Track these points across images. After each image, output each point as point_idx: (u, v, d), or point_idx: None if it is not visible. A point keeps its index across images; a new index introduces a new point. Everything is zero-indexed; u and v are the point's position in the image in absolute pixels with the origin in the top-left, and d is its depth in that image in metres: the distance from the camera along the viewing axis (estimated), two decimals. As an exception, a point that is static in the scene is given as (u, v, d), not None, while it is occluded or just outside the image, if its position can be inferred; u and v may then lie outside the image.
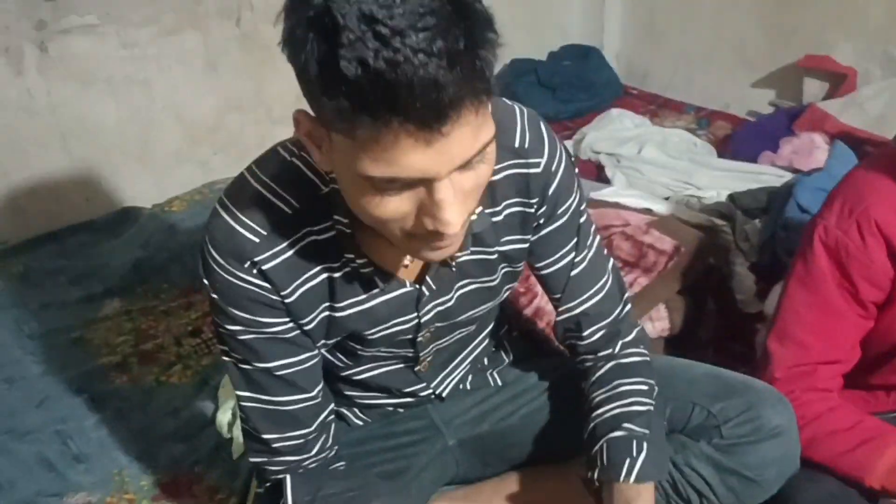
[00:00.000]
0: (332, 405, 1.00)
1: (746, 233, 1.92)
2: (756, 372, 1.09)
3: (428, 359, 1.05)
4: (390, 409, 1.15)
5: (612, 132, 2.47)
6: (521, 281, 1.42)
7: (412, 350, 1.01)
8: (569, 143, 2.51)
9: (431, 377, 1.08)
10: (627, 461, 0.93)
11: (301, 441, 0.94)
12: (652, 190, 2.14)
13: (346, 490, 0.94)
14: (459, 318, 0.99)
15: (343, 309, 0.91)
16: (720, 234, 1.85)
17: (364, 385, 1.07)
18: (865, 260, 1.00)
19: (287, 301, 0.87)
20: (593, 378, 1.03)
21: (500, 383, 1.18)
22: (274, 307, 0.87)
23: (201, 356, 1.66)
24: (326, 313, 0.91)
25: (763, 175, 2.16)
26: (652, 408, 0.99)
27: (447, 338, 1.02)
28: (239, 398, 0.94)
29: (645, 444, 0.94)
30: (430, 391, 1.09)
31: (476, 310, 1.00)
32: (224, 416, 1.46)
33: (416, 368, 1.05)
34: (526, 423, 1.15)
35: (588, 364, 1.06)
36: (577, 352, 1.07)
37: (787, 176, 2.09)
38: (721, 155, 2.38)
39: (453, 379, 1.12)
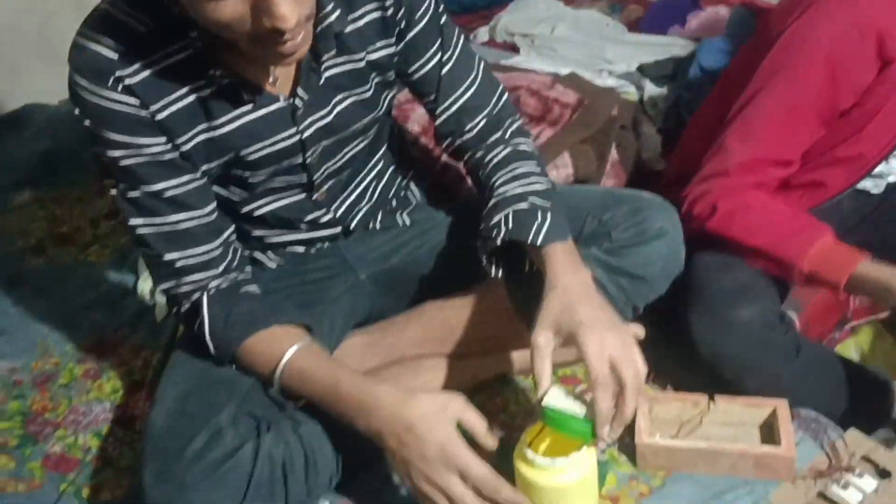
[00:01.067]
0: (232, 227, 1.03)
1: (654, 100, 1.99)
2: (708, 167, 1.17)
3: (324, 186, 1.08)
4: (301, 248, 1.18)
5: (527, 15, 2.48)
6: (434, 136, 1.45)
7: (304, 175, 1.04)
8: (484, 30, 2.52)
9: (330, 203, 1.11)
10: (535, 225, 0.98)
11: (205, 258, 0.98)
12: (564, 65, 2.18)
13: (258, 308, 0.99)
14: (343, 134, 1.04)
15: (220, 127, 0.94)
16: (628, 101, 1.91)
17: (267, 221, 1.11)
18: (858, 65, 1.06)
19: (158, 118, 0.90)
20: (491, 164, 1.08)
21: (408, 223, 1.22)
22: (145, 124, 0.90)
23: (119, 235, 1.66)
24: (204, 135, 0.94)
25: (671, 47, 2.22)
26: (550, 186, 1.05)
27: (337, 158, 1.06)
28: (134, 229, 0.97)
29: (549, 214, 1.00)
30: (333, 217, 1.12)
31: (358, 123, 1.04)
32: (145, 284, 1.48)
33: (314, 197, 1.09)
34: (434, 255, 1.20)
35: (481, 154, 1.10)
36: (467, 147, 1.11)
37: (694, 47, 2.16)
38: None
39: (358, 210, 1.16)
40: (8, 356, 1.38)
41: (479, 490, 0.85)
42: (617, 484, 1.04)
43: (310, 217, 1.12)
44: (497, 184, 1.05)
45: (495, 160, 1.08)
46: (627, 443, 1.09)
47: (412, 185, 1.26)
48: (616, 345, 0.87)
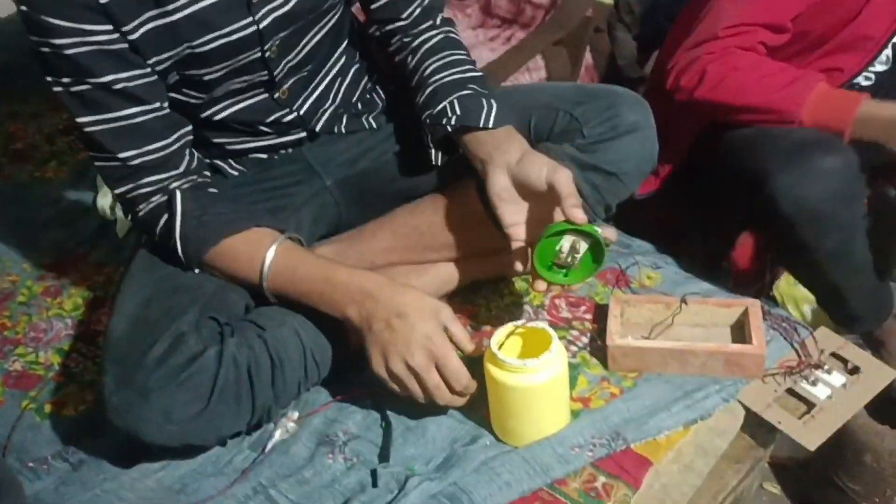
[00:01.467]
0: (189, 126, 0.98)
1: (629, 5, 1.93)
2: (695, 34, 1.15)
3: (286, 83, 1.03)
4: (264, 155, 1.14)
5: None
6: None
7: (265, 71, 0.99)
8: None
9: (293, 101, 1.06)
10: (484, 109, 0.99)
11: (162, 154, 0.94)
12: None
13: (234, 209, 0.97)
14: (303, 22, 0.99)
15: (170, 14, 0.88)
16: (603, 3, 1.84)
17: (228, 126, 1.06)
18: None
19: (103, 1, 0.84)
20: (422, 49, 1.07)
21: (374, 126, 1.17)
22: (91, 8, 0.84)
23: (76, 151, 1.60)
24: (153, 23, 0.88)
25: (648, -51, 2.14)
26: (483, 75, 1.06)
27: (298, 50, 1.01)
28: (83, 127, 0.92)
29: (493, 101, 1.00)
30: (297, 116, 1.07)
31: (316, 9, 0.99)
32: (105, 200, 1.42)
33: (276, 95, 1.04)
34: (402, 160, 1.16)
35: (409, 39, 1.08)
36: (397, 32, 1.09)
37: (671, -50, 2.08)
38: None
39: (323, 112, 1.11)
40: (-37, 276, 1.33)
41: (449, 385, 0.89)
42: (588, 385, 1.03)
43: (272, 117, 1.07)
44: (430, 70, 1.05)
45: (427, 45, 1.07)
46: (598, 346, 1.08)
47: (378, 89, 1.21)
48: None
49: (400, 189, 1.17)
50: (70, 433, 1.05)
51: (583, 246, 0.91)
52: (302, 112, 1.08)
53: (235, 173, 1.14)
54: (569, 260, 0.92)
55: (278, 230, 0.98)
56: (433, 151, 1.06)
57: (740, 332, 1.08)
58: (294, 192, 1.14)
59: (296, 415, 1.03)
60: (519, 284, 1.20)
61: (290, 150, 1.14)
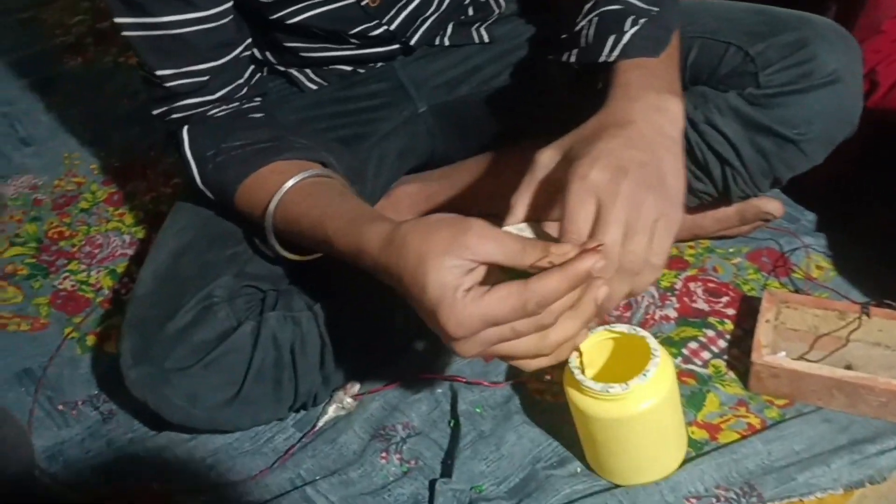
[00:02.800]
0: (247, 41, 0.78)
1: None
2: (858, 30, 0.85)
3: None
4: (349, 68, 0.93)
5: None
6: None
7: None
8: None
9: (385, 11, 0.84)
10: (613, 36, 0.68)
11: (203, 78, 0.74)
12: None
13: (256, 141, 0.74)
14: None
15: None
16: None
17: (305, 31, 0.85)
18: None
19: None
20: None
21: (486, 39, 0.93)
22: None
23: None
24: None
25: None
26: None
27: None
28: (120, 30, 0.73)
29: (643, 21, 0.68)
30: (387, 30, 0.85)
31: None
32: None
33: (363, 2, 0.81)
34: (516, 87, 0.92)
35: None
36: None
37: None
38: None
39: (422, 22, 0.88)
40: (31, 171, 1.23)
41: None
42: (719, 408, 0.80)
43: (357, 29, 0.85)
44: None
45: None
46: (739, 356, 0.84)
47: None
48: (621, 185, 0.57)
49: (514, 121, 0.94)
50: (107, 375, 0.92)
51: None
52: (394, 26, 0.85)
53: (313, 87, 0.93)
54: None
55: (317, 162, 0.74)
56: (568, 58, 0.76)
57: (939, 362, 0.81)
58: (380, 116, 0.93)
59: (356, 387, 0.86)
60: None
61: (379, 65, 0.93)
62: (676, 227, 0.59)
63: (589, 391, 0.66)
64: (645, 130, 0.60)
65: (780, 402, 0.80)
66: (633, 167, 0.57)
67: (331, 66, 0.92)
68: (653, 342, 0.68)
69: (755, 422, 0.79)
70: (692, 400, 0.81)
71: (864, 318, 0.82)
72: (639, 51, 0.67)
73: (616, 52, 0.67)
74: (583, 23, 0.72)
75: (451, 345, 0.56)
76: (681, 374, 0.83)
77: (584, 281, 0.55)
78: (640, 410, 0.66)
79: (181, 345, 0.72)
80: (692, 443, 0.77)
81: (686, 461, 0.75)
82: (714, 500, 0.72)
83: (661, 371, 0.67)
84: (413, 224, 0.58)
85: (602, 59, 0.68)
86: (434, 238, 0.55)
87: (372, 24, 0.84)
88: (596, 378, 0.67)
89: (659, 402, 0.67)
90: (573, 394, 0.68)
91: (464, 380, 0.81)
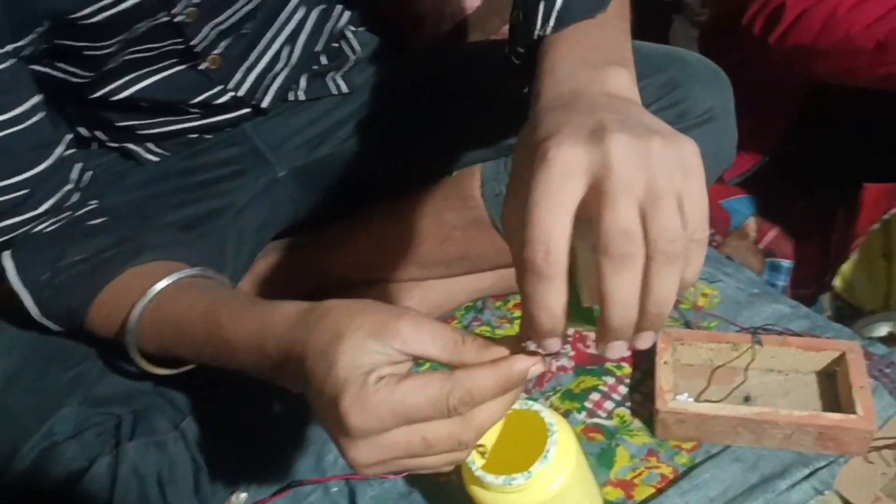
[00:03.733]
0: (69, 136, 0.66)
1: None
2: None
3: (214, 51, 0.72)
4: (194, 136, 0.83)
5: None
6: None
7: (180, 38, 0.67)
8: None
9: (227, 75, 0.75)
10: (543, 3, 0.55)
11: (23, 191, 0.62)
12: None
13: (102, 249, 0.63)
14: None
15: None
16: None
17: (137, 106, 0.75)
18: None
19: None
20: None
21: (344, 89, 0.86)
22: None
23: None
24: None
25: None
26: None
27: (228, 13, 0.69)
28: None
29: None
30: (234, 97, 0.77)
31: None
32: None
33: (202, 66, 0.72)
34: (385, 139, 0.86)
35: None
36: None
37: None
38: None
39: (272, 82, 0.80)
40: None
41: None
42: (630, 462, 0.77)
43: (199, 99, 0.76)
44: None
45: None
46: (640, 401, 0.82)
47: (351, 31, 0.89)
48: (605, 143, 0.39)
49: (383, 179, 0.88)
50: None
51: None
52: (242, 91, 0.77)
53: (154, 159, 0.83)
54: None
55: (186, 264, 0.63)
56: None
57: (831, 383, 0.82)
58: (234, 186, 0.84)
59: (243, 497, 0.77)
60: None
61: (228, 130, 0.84)
62: (703, 172, 0.42)
63: (491, 487, 0.60)
64: (595, 97, 0.46)
65: (688, 445, 0.78)
66: (610, 123, 0.40)
67: (173, 138, 0.82)
68: (547, 415, 0.62)
69: (667, 471, 0.76)
70: (603, 458, 0.77)
71: (757, 347, 0.82)
72: (577, 13, 0.53)
73: (551, 22, 0.54)
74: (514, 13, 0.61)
75: (348, 449, 0.45)
76: (587, 431, 0.80)
77: (521, 383, 0.47)
78: (550, 495, 0.61)
79: (25, 495, 0.60)
80: (609, 504, 0.74)
81: (605, 528, 0.71)
82: (641, 568, 0.68)
83: (562, 447, 0.62)
84: (341, 300, 0.49)
85: (536, 33, 0.55)
86: (362, 318, 0.46)
87: (215, 90, 0.76)
88: (490, 464, 0.62)
89: (566, 479, 0.62)
90: (476, 491, 0.62)
91: (362, 476, 0.74)
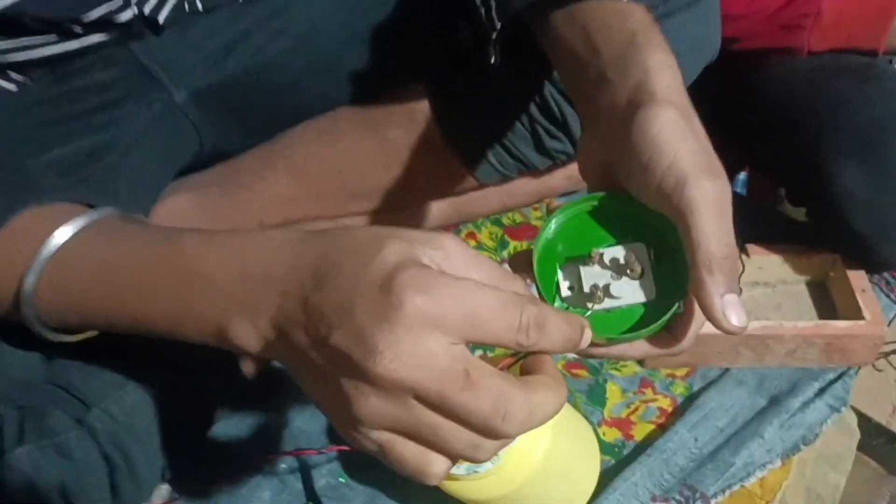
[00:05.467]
0: None
1: None
2: None
3: None
4: (61, 57, 0.66)
5: None
6: None
7: None
8: None
9: None
10: None
11: None
12: None
13: None
14: None
15: None
16: None
17: (12, 24, 0.58)
18: None
19: None
20: None
21: (251, -6, 0.71)
22: None
23: None
24: None
25: None
26: None
27: None
28: None
29: None
30: (135, 14, 0.60)
31: None
32: None
33: None
34: (308, 48, 0.71)
35: None
36: None
37: None
38: None
39: None
40: None
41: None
42: (622, 398, 0.68)
43: (97, 15, 0.59)
44: None
45: None
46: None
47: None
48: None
49: (303, 99, 0.73)
50: None
51: (640, 268, 0.40)
52: (147, 7, 0.61)
53: (13, 87, 0.66)
54: (605, 290, 0.40)
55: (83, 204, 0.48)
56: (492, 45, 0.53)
57: (822, 292, 0.75)
58: (118, 117, 0.68)
59: (164, 489, 0.63)
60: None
61: (108, 49, 0.67)
62: None
63: (458, 477, 0.49)
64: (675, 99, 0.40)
65: (681, 371, 0.70)
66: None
67: (38, 63, 0.65)
68: None
69: (665, 403, 0.67)
70: (593, 396, 0.67)
71: (744, 258, 0.73)
72: None
73: None
74: None
75: (377, 363, 0.31)
76: (569, 367, 0.69)
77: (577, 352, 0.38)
78: (532, 470, 0.50)
79: None
80: (607, 448, 0.64)
81: (609, 475, 0.61)
82: (656, 517, 0.59)
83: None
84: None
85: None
86: (397, 230, 0.35)
87: (117, 4, 0.59)
88: None
89: (547, 449, 0.51)
90: (450, 486, 0.51)
91: (315, 451, 0.61)
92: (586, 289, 0.40)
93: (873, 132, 0.67)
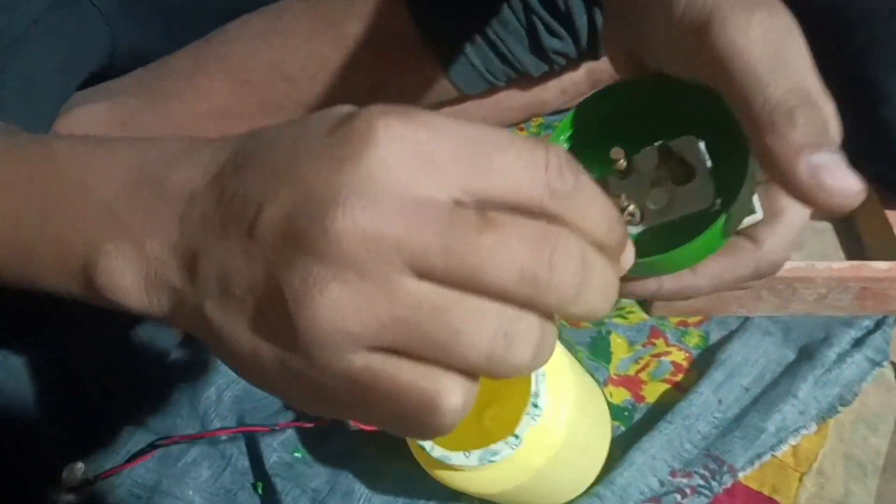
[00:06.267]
0: None
1: None
2: None
3: None
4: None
5: None
6: None
7: None
8: None
9: None
10: None
11: None
12: None
13: None
14: None
15: None
16: None
17: None
18: None
19: None
20: None
21: None
22: None
23: None
24: None
25: None
26: None
27: None
28: None
29: None
30: None
31: None
32: None
33: None
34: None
35: None
36: None
37: None
38: None
39: None
40: None
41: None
42: (629, 352, 0.57)
43: None
44: None
45: None
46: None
47: None
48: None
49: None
50: None
51: (691, 167, 0.29)
52: None
53: None
54: (644, 202, 0.29)
55: None
56: None
57: (848, 228, 0.65)
58: (11, 4, 0.53)
59: (79, 468, 0.50)
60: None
61: None
62: None
63: (465, 468, 0.38)
64: None
65: (693, 319, 0.60)
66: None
67: None
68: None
69: (679, 357, 0.57)
70: (596, 349, 0.57)
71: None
72: None
73: None
74: None
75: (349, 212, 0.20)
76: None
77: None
78: (554, 449, 0.40)
79: None
80: (616, 412, 0.54)
81: (619, 445, 0.51)
82: (678, 496, 0.49)
83: (554, 377, 0.40)
84: None
85: None
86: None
87: None
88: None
89: (570, 419, 0.40)
90: (445, 476, 0.40)
91: (266, 428, 0.49)
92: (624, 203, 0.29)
93: None
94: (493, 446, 0.37)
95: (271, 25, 0.59)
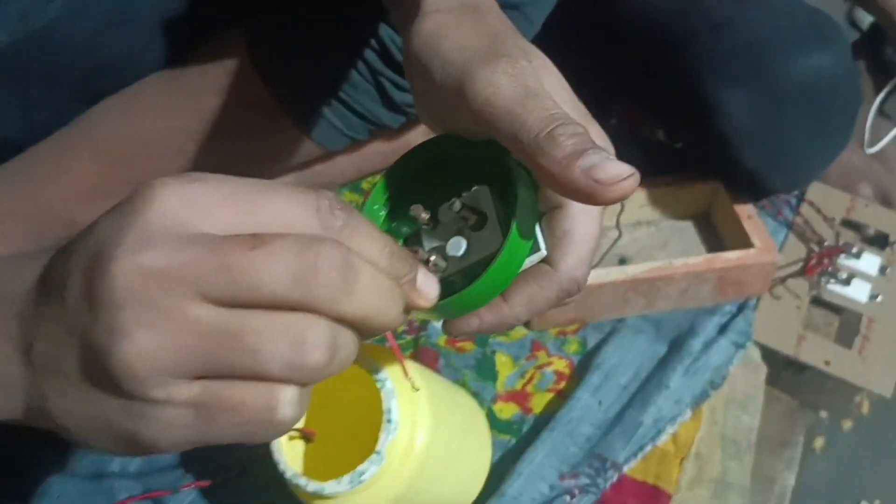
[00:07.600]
0: None
1: None
2: None
3: None
4: None
5: None
6: None
7: None
8: None
9: None
10: None
11: None
12: None
13: None
14: None
15: None
16: None
17: None
18: None
19: None
20: None
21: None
22: None
23: None
24: None
25: None
26: None
27: None
28: None
29: None
30: None
31: None
32: None
33: None
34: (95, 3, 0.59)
35: None
36: None
37: None
38: None
39: None
40: None
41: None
42: (514, 367, 0.60)
43: None
44: None
45: None
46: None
47: None
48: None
49: (101, 65, 0.60)
50: None
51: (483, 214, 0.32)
52: None
53: None
54: (443, 251, 0.32)
55: None
56: None
57: (708, 226, 0.70)
58: None
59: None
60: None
61: None
62: None
63: (332, 495, 0.40)
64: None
65: (571, 328, 0.63)
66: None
67: None
68: (367, 362, 0.42)
69: (561, 366, 0.60)
70: (482, 370, 0.60)
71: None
72: None
73: None
74: None
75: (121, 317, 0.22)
76: (454, 341, 0.61)
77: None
78: (418, 460, 0.42)
79: None
80: (505, 426, 0.57)
81: (511, 458, 0.54)
82: (568, 497, 0.52)
83: (407, 400, 0.42)
84: None
85: None
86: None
87: None
88: (316, 453, 0.42)
89: (429, 428, 0.43)
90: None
91: (167, 492, 0.50)
92: (425, 255, 0.31)
93: (756, 54, 0.61)
94: (359, 467, 0.39)
95: (132, 104, 0.60)
